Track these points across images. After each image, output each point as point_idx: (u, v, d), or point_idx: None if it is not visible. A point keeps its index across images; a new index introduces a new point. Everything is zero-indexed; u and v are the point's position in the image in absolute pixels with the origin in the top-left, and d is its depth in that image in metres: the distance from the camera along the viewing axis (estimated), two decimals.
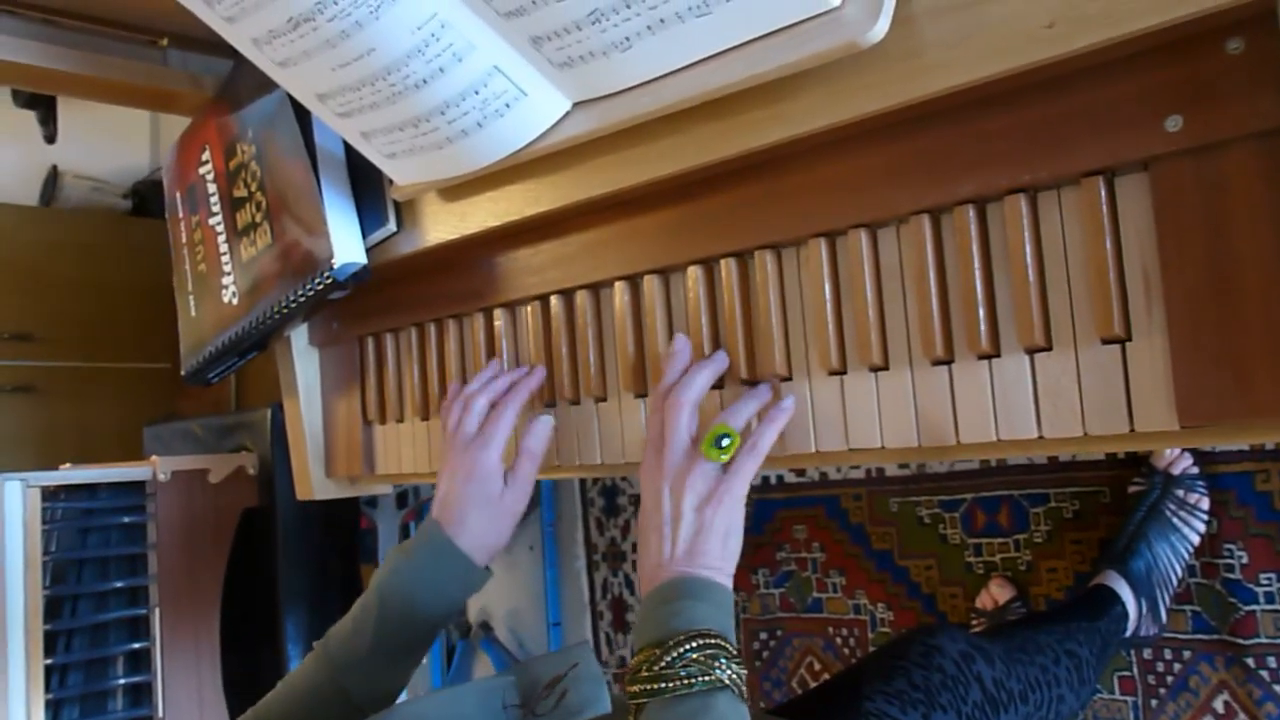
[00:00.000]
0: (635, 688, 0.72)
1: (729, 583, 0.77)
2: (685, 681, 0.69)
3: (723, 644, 0.71)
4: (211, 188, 1.15)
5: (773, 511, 1.98)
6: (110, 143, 3.21)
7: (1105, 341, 0.65)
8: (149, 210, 3.09)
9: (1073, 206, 0.66)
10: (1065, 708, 1.14)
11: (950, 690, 0.96)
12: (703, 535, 0.77)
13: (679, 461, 0.80)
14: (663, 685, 0.70)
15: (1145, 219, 0.63)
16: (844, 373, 0.78)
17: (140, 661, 1.65)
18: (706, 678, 0.69)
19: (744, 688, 0.71)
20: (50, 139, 2.49)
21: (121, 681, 1.62)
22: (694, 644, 0.71)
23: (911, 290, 0.74)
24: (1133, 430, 0.64)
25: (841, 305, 0.78)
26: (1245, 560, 1.46)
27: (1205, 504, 1.46)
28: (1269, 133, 0.58)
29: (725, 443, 0.78)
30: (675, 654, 0.70)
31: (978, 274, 0.70)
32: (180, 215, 1.21)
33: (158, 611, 1.66)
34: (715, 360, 0.84)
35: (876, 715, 0.92)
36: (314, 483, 1.22)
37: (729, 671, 0.70)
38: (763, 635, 2.00)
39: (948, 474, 1.75)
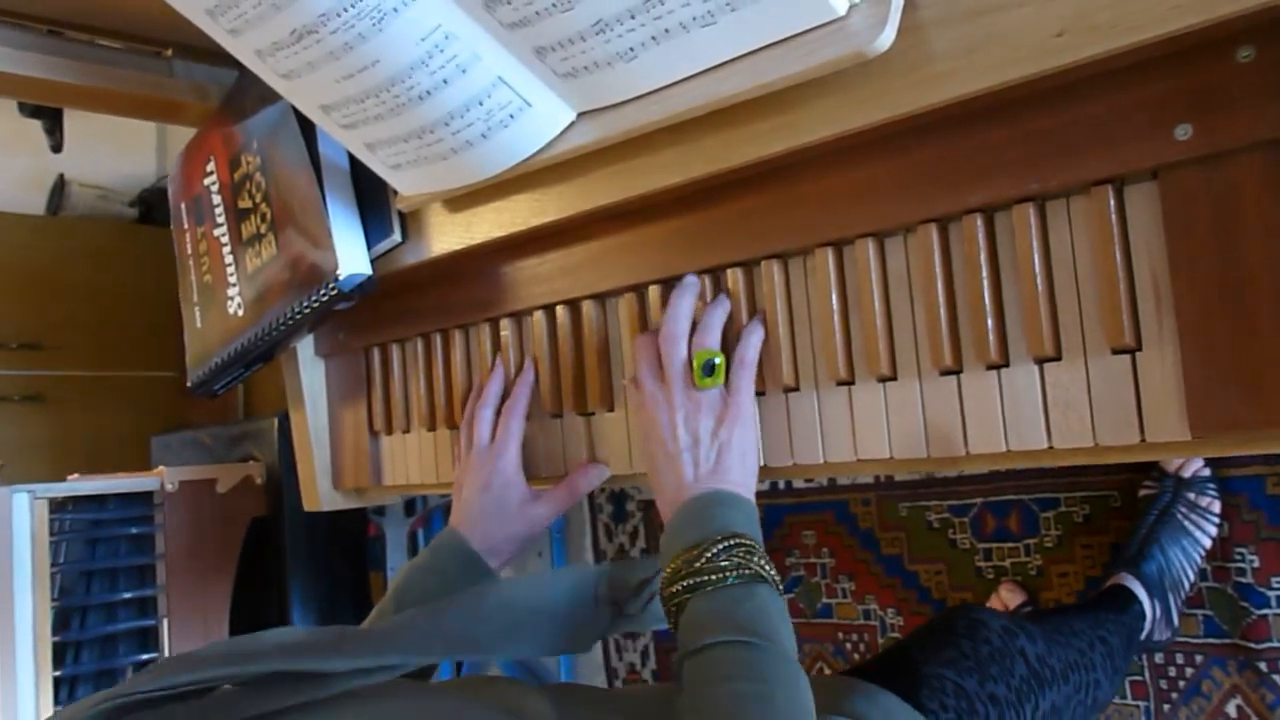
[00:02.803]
0: (675, 587, 0.73)
1: (753, 498, 0.79)
2: (725, 574, 0.71)
3: (755, 546, 0.73)
4: (216, 199, 1.15)
5: (781, 516, 1.98)
6: (116, 151, 3.21)
7: (1115, 351, 0.65)
8: (155, 218, 3.09)
9: (1082, 216, 0.66)
10: (1101, 694, 1.14)
11: (998, 662, 0.96)
12: (724, 455, 0.79)
13: (685, 391, 0.81)
14: (704, 579, 0.71)
15: (1155, 228, 0.63)
16: (852, 383, 0.77)
17: None
18: (746, 571, 0.71)
19: (780, 585, 0.73)
20: (56, 148, 2.49)
21: None
22: (730, 542, 0.72)
23: (919, 300, 0.73)
24: (1144, 440, 0.64)
25: (849, 315, 0.78)
26: (1257, 564, 1.45)
27: (1217, 507, 1.45)
28: (1279, 141, 0.57)
29: (715, 366, 0.81)
30: (713, 551, 0.72)
31: (986, 283, 0.70)
32: (185, 226, 1.21)
33: (166, 622, 1.66)
34: (689, 286, 0.85)
35: (936, 679, 0.92)
36: (321, 494, 1.22)
37: (768, 568, 0.72)
38: None
39: (957, 478, 1.75)
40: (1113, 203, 0.64)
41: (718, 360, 0.81)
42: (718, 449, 0.79)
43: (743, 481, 0.79)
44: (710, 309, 0.83)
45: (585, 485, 0.95)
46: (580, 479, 0.95)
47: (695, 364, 0.81)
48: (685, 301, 0.84)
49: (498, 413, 0.99)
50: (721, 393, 0.81)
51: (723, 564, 0.71)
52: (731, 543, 0.72)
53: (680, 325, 0.83)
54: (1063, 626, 1.17)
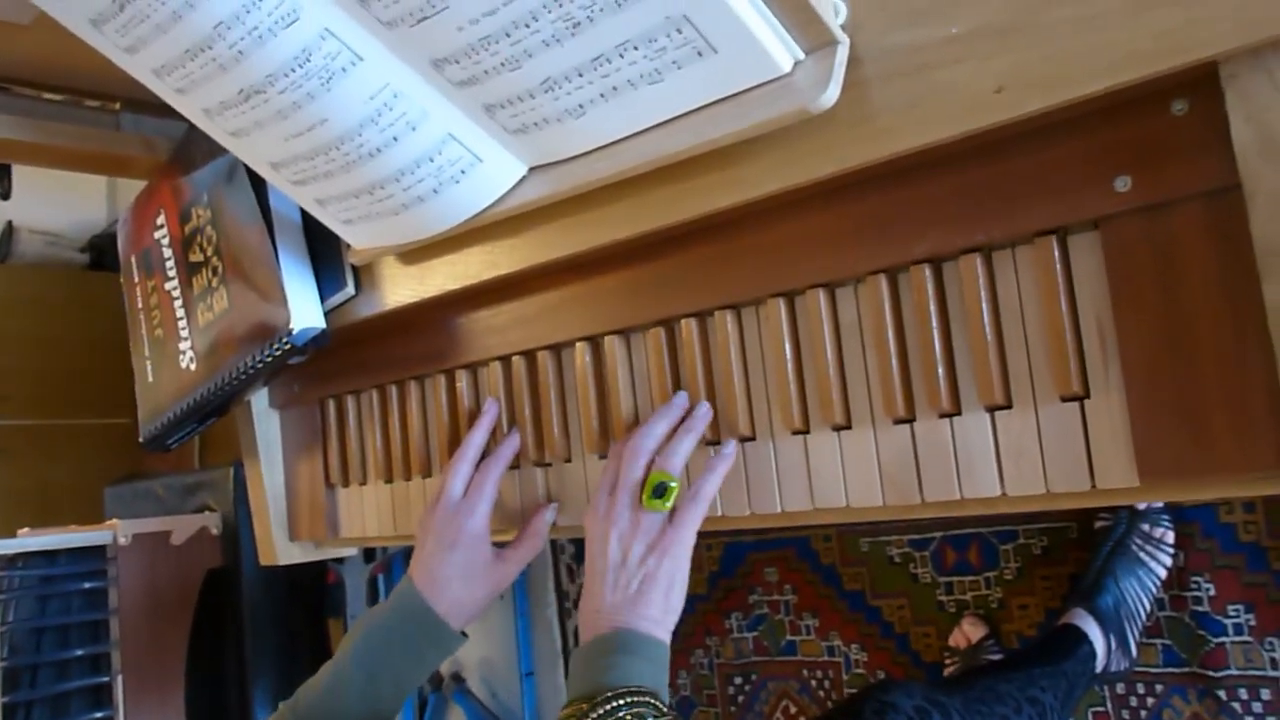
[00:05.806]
0: None
1: (667, 637, 0.77)
2: None
3: (653, 702, 0.71)
4: (167, 252, 1.14)
5: (744, 554, 1.97)
6: (66, 197, 3.18)
7: (1064, 399, 0.66)
8: (106, 264, 3.06)
9: (1027, 265, 0.67)
10: None
11: None
12: (647, 585, 0.77)
13: (630, 509, 0.80)
14: None
15: (1099, 277, 0.64)
16: (807, 432, 0.78)
17: None
18: None
19: None
20: (4, 195, 2.46)
21: None
22: (623, 701, 0.70)
23: (871, 349, 0.74)
24: (1094, 487, 0.64)
25: (802, 364, 0.78)
26: (1213, 592, 1.47)
27: (1171, 537, 1.47)
28: (1215, 191, 0.58)
29: (665, 491, 0.79)
30: (602, 710, 0.70)
31: (936, 333, 0.70)
32: (136, 279, 1.20)
33: (120, 679, 1.62)
34: (675, 408, 0.84)
35: None
36: (278, 548, 1.20)
37: None
38: (737, 680, 1.98)
39: None
40: (1057, 252, 0.65)
41: (672, 485, 0.79)
42: (642, 576, 0.77)
43: (661, 619, 0.77)
44: (681, 433, 0.82)
45: (544, 529, 0.94)
46: (539, 523, 0.94)
47: (648, 483, 0.80)
48: (662, 423, 0.82)
49: (476, 465, 0.96)
50: (664, 519, 0.79)
51: None
52: (624, 702, 0.70)
53: (647, 443, 0.81)
54: (987, 693, 1.16)
